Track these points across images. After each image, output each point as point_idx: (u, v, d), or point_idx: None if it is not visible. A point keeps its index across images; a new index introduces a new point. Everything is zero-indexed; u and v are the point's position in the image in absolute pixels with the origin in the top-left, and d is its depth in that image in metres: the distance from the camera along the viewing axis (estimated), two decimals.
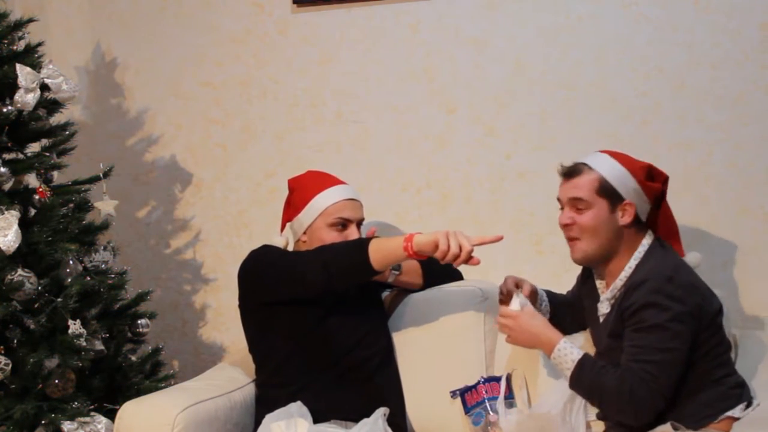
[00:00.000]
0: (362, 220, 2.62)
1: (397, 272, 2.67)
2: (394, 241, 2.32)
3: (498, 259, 2.98)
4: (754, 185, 2.76)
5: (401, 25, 3.06)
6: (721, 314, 2.28)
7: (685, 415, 2.20)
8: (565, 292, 2.63)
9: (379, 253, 2.32)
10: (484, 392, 2.51)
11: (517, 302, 2.34)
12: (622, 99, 2.86)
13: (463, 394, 2.54)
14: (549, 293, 2.59)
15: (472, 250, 2.23)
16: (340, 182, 2.64)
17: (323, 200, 2.57)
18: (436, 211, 3.07)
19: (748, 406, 2.22)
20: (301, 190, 2.62)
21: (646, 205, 2.32)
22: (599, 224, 2.28)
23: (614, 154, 2.34)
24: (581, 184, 2.29)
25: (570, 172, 2.32)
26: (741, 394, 2.25)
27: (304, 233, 2.59)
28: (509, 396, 2.51)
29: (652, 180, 2.32)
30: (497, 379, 2.53)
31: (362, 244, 2.36)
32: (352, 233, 2.56)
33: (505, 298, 2.43)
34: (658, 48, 2.82)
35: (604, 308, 2.36)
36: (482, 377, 2.55)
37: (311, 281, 2.40)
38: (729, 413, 2.20)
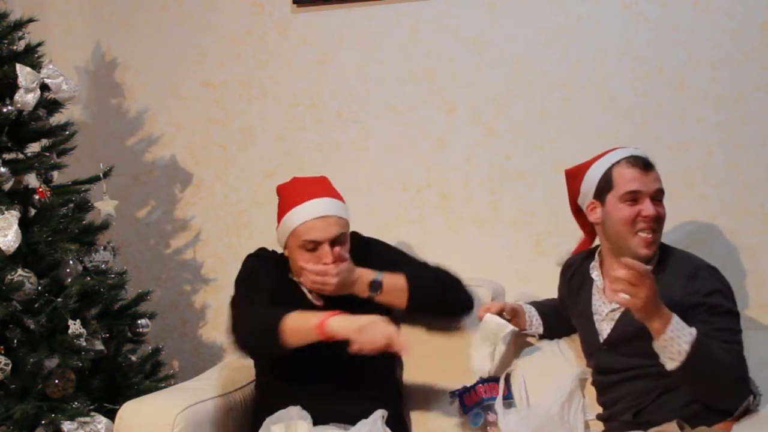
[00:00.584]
0: (339, 236, 2.43)
1: (375, 293, 2.47)
2: (309, 321, 2.25)
3: (498, 259, 2.98)
4: (754, 185, 2.76)
5: (401, 25, 3.05)
6: None
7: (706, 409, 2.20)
8: None
9: (292, 335, 2.26)
10: (482, 393, 2.50)
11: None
12: (622, 99, 2.85)
13: (462, 394, 2.53)
14: (537, 306, 2.60)
15: (389, 343, 2.18)
16: (316, 195, 2.47)
17: (292, 220, 2.45)
18: (436, 211, 3.07)
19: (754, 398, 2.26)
20: (281, 202, 2.53)
21: None
22: None
23: None
24: (658, 177, 2.32)
25: (650, 164, 2.32)
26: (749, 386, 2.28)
27: (285, 248, 2.52)
28: (508, 396, 2.51)
29: None
30: (495, 380, 2.52)
31: (277, 323, 2.27)
32: (323, 254, 2.40)
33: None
34: (658, 48, 2.81)
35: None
36: (480, 378, 2.55)
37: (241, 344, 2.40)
38: (743, 405, 2.21)
